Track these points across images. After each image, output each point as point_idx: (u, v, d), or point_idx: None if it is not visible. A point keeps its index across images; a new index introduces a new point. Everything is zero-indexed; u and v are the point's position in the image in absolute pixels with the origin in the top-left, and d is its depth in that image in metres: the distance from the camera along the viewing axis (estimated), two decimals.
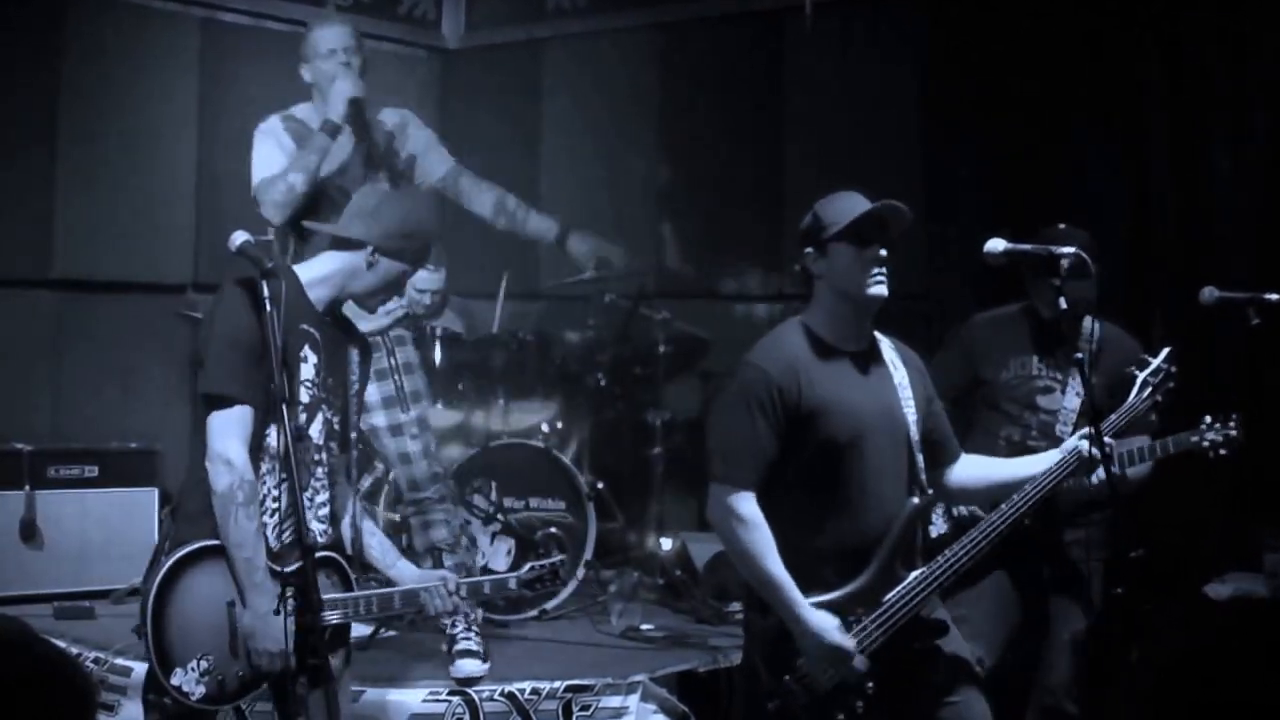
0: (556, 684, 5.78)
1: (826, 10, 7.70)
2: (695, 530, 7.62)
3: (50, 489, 6.96)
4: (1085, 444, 4.47)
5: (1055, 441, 5.15)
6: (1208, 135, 6.89)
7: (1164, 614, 5.80)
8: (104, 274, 7.90)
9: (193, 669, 4.07)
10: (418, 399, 6.31)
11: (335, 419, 4.42)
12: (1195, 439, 5.09)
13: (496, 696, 5.69)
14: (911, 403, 4.39)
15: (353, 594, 4.34)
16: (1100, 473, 4.73)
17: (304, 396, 4.30)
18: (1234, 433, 5.07)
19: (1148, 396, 4.81)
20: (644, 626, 6.75)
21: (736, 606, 6.59)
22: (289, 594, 4.14)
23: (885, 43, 7.89)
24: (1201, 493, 6.65)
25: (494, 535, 7.05)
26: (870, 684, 4.15)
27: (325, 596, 4.20)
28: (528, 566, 4.65)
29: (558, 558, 4.75)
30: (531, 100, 9.24)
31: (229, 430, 4.15)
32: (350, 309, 4.66)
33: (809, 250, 4.33)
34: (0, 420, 7.15)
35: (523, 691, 5.72)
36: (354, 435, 4.54)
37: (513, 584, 4.65)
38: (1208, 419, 5.09)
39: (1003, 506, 4.44)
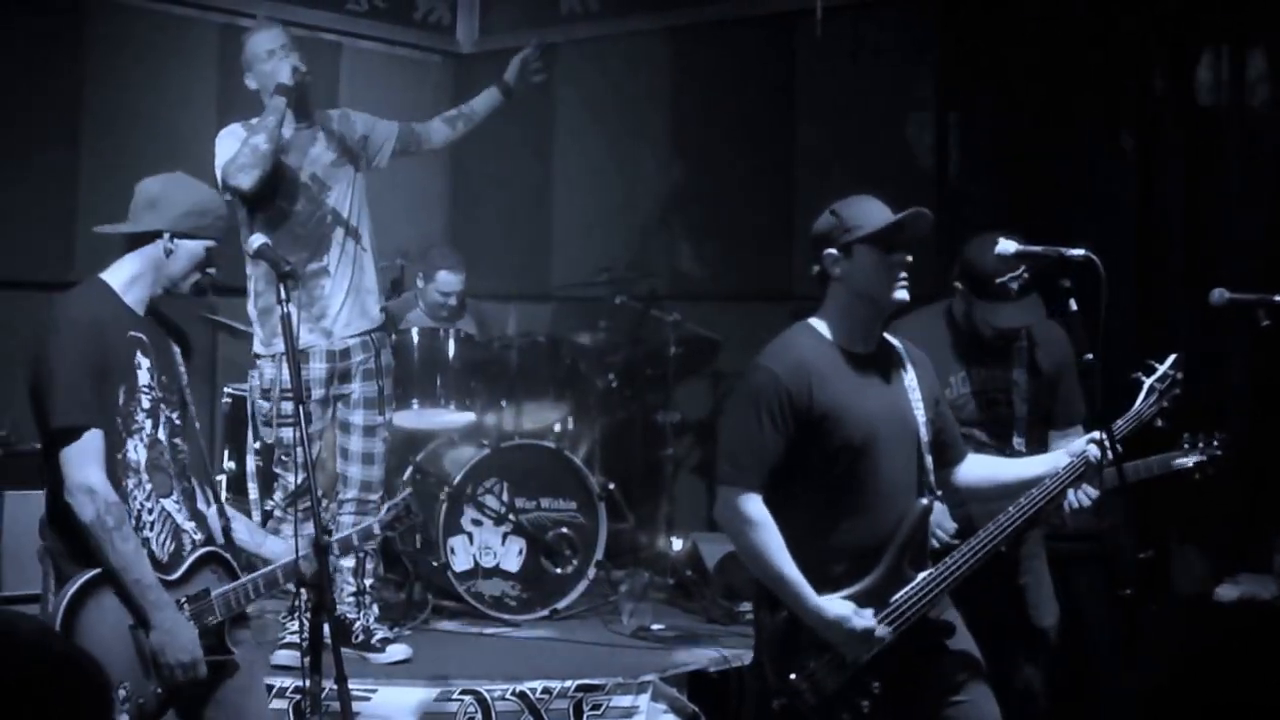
0: (568, 683, 5.81)
1: (837, 14, 7.72)
2: (706, 530, 7.66)
3: None
4: (1094, 449, 4.47)
5: (1013, 453, 5.15)
6: (1217, 136, 6.90)
7: (1172, 615, 5.82)
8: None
9: (114, 701, 3.98)
10: (391, 403, 6.41)
11: (175, 415, 4.34)
12: (1178, 461, 5.02)
13: (508, 696, 5.71)
14: (921, 404, 4.38)
15: (239, 581, 4.28)
16: (1080, 497, 4.77)
17: (145, 403, 4.24)
18: (1219, 452, 5.02)
19: (1154, 403, 4.81)
20: (655, 626, 6.79)
21: (747, 606, 6.61)
22: (185, 600, 4.17)
23: (896, 46, 7.90)
24: (1210, 494, 6.67)
25: (505, 535, 7.09)
26: (877, 684, 4.16)
27: (215, 592, 4.22)
28: (386, 507, 4.65)
29: (406, 492, 4.79)
30: (544, 103, 9.28)
31: (84, 459, 4.07)
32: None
33: (829, 252, 4.27)
34: (21, 420, 7.18)
35: (534, 691, 5.75)
36: (196, 427, 4.46)
37: (376, 529, 4.62)
38: (1187, 438, 5.03)
39: (1010, 509, 4.42)
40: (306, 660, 4.12)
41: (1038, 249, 4.74)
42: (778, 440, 4.19)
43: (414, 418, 7.20)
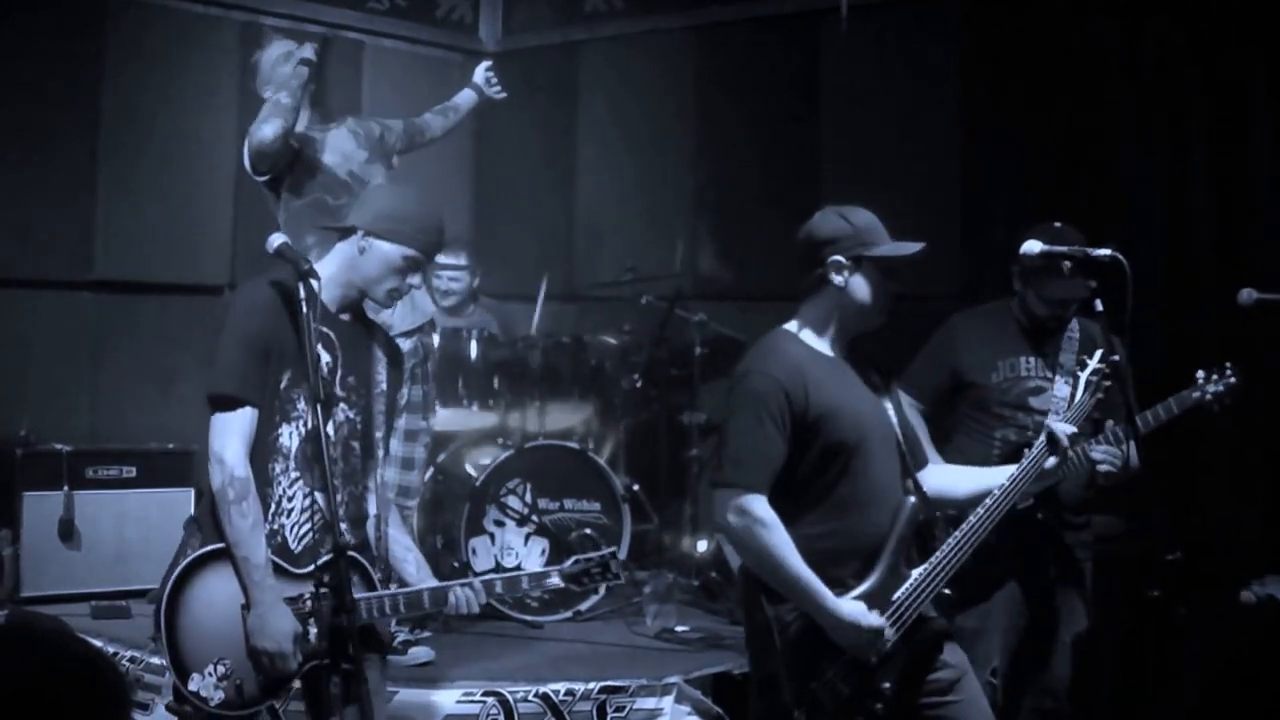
0: (591, 685, 5.80)
1: (862, 13, 7.70)
2: None
3: (88, 489, 6.99)
4: (1060, 427, 4.50)
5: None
6: (1246, 136, 6.86)
7: (1200, 617, 5.77)
8: (143, 276, 7.95)
9: (210, 674, 4.01)
10: (433, 410, 6.44)
11: (359, 419, 4.37)
12: (1196, 394, 5.12)
13: (531, 698, 5.71)
14: (889, 405, 4.44)
15: (379, 592, 4.28)
16: (1105, 455, 4.75)
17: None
18: (1232, 380, 5.12)
19: (1091, 394, 4.79)
20: (678, 628, 6.78)
21: None
22: (311, 595, 4.15)
23: (920, 45, 7.88)
24: (1236, 494, 6.63)
25: (528, 536, 7.08)
26: (887, 685, 4.17)
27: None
28: (572, 560, 4.48)
29: (607, 550, 4.53)
30: (568, 102, 9.27)
31: (229, 430, 4.14)
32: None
33: (837, 258, 4.28)
34: (40, 421, 7.19)
35: (557, 693, 5.74)
36: (379, 436, 4.48)
37: (555, 579, 4.46)
38: (1201, 374, 5.14)
39: (996, 492, 4.39)
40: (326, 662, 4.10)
41: (1063, 248, 4.75)
42: (781, 444, 4.22)
43: (436, 418, 7.18)
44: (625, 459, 7.98)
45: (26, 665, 2.35)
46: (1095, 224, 5.24)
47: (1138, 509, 5.13)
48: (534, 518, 7.11)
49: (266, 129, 5.95)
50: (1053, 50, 7.27)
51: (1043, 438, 4.50)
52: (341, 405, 4.33)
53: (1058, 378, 5.36)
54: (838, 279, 4.29)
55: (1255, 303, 5.15)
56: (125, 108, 7.93)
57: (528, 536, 7.08)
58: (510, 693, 5.72)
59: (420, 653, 6.19)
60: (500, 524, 7.05)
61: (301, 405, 4.24)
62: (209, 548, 4.12)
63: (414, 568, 4.46)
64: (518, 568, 6.98)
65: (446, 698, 5.72)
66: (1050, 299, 5.29)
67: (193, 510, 4.32)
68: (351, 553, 4.27)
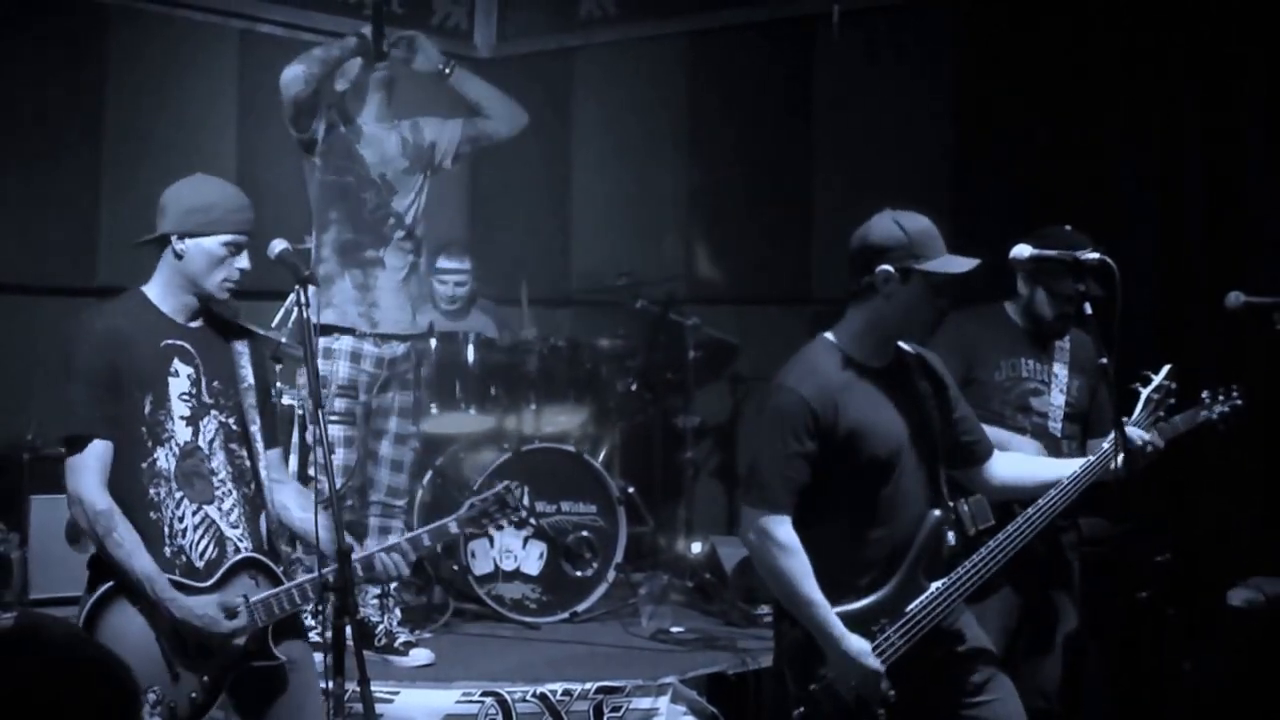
0: (587, 685, 5.82)
1: (855, 18, 7.73)
2: (724, 533, 7.67)
3: None
4: (1134, 431, 4.60)
5: (1050, 440, 5.28)
6: (1239, 140, 6.88)
7: (1189, 619, 5.81)
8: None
9: (143, 703, 3.95)
10: (425, 414, 6.49)
11: (231, 420, 4.35)
12: (1202, 415, 5.16)
13: (529, 698, 5.74)
14: (936, 412, 4.42)
15: (281, 588, 4.26)
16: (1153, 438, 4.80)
17: (183, 411, 4.24)
18: (1239, 402, 5.17)
19: (1150, 413, 4.85)
20: (674, 629, 6.82)
21: (765, 610, 6.63)
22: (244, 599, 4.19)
23: (913, 51, 7.90)
24: (1226, 497, 6.65)
25: (526, 539, 7.10)
26: (892, 692, 4.18)
27: (254, 598, 4.20)
28: (467, 504, 4.52)
29: (500, 486, 4.59)
30: (563, 108, 9.29)
31: (81, 469, 4.12)
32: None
33: (885, 268, 4.21)
34: (45, 426, 7.22)
35: (554, 693, 5.77)
36: (256, 429, 4.38)
37: (453, 527, 4.52)
38: (1207, 394, 5.18)
39: (1029, 510, 4.47)
40: (329, 662, 4.08)
41: (1053, 253, 4.76)
42: (805, 463, 4.20)
43: (433, 422, 7.23)
44: (620, 462, 8.02)
45: (36, 666, 2.39)
46: (1087, 227, 5.25)
47: (1127, 511, 5.14)
48: (531, 520, 7.13)
49: (286, 70, 6.08)
50: (1046, 55, 7.28)
51: (1107, 444, 4.53)
52: (212, 412, 4.30)
53: (1053, 384, 5.39)
54: (885, 289, 4.23)
55: (1243, 306, 5.16)
56: (127, 115, 7.95)
57: (526, 540, 7.10)
58: (508, 693, 5.74)
59: (421, 655, 6.24)
60: (499, 527, 7.07)
61: (171, 425, 4.22)
62: (100, 590, 4.12)
63: (325, 533, 4.36)
64: (516, 570, 7.04)
65: (446, 698, 5.74)
66: (1062, 295, 5.26)
67: None
68: (253, 554, 4.31)
